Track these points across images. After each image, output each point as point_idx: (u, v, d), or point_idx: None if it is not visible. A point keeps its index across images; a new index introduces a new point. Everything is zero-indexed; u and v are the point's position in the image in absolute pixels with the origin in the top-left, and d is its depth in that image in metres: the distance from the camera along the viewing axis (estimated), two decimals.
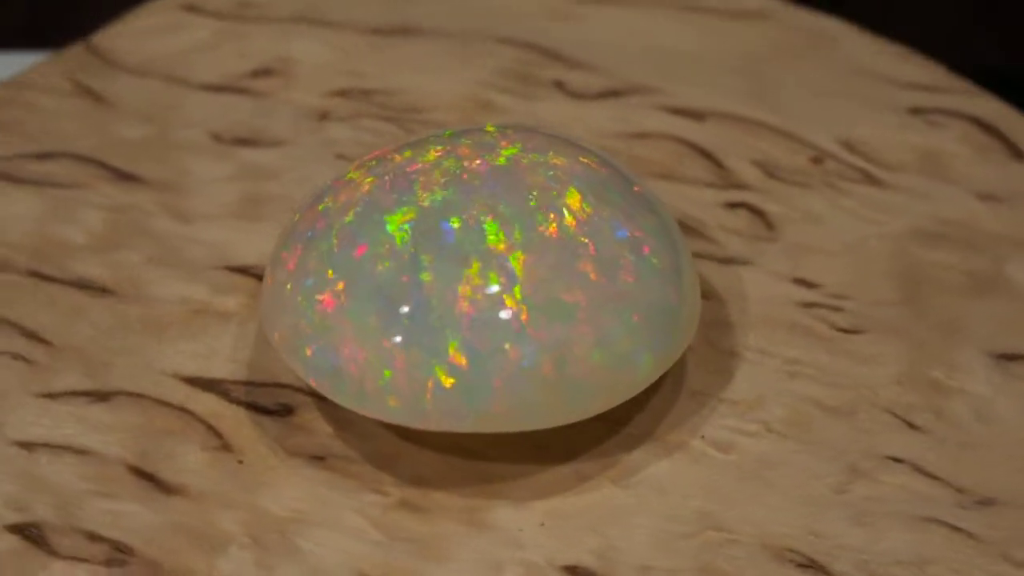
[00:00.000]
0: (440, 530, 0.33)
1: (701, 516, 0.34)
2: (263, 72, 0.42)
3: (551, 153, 0.35)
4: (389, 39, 0.43)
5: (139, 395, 0.35)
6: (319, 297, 0.33)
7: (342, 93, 0.42)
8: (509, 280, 0.33)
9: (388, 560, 0.33)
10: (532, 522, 0.33)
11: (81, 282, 0.38)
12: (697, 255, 0.38)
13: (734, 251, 0.38)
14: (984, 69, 0.47)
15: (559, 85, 0.42)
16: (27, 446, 0.35)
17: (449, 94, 0.42)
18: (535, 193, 0.34)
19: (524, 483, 0.34)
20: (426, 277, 0.33)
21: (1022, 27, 0.50)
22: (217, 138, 0.41)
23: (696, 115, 0.41)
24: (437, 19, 0.44)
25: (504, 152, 0.35)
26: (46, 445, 0.35)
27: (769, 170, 0.40)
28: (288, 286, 0.34)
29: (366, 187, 0.34)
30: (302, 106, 0.42)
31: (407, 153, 0.35)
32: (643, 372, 0.33)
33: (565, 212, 0.34)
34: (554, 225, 0.33)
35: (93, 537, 0.33)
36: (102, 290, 0.37)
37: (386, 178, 0.34)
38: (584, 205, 0.34)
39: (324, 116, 0.41)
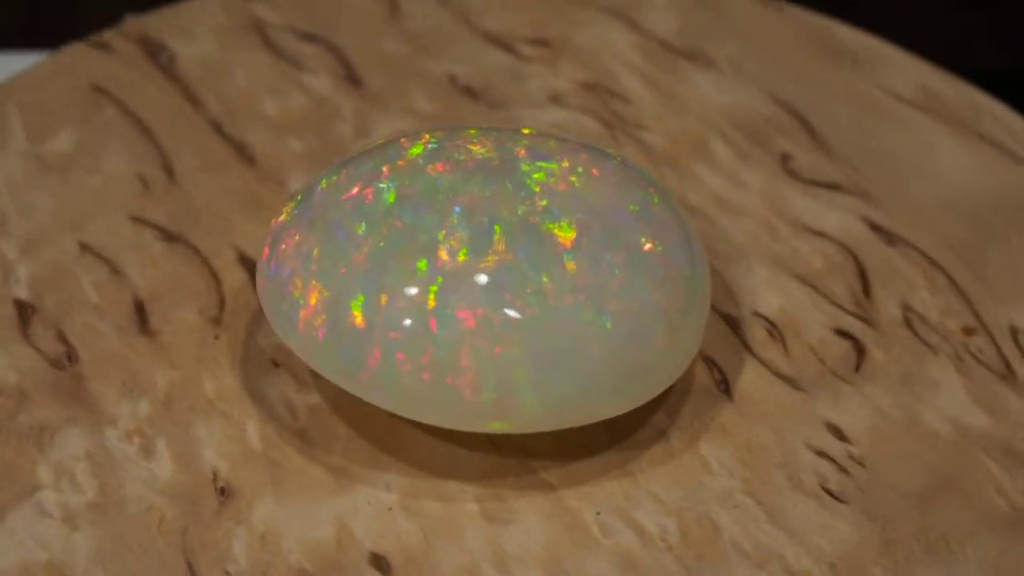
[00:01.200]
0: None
1: None
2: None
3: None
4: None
5: None
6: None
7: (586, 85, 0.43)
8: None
9: None
10: None
11: None
12: (759, 358, 0.37)
13: (797, 372, 0.37)
14: (984, 70, 0.47)
15: (784, 158, 0.41)
16: None
17: (678, 123, 0.42)
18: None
19: None
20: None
21: (1022, 28, 0.51)
22: None
23: (890, 238, 0.39)
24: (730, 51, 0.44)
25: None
26: None
27: (911, 319, 0.38)
28: None
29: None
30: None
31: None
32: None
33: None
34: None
35: None
36: None
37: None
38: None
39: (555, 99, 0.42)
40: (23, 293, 0.37)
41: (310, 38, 0.44)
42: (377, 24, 0.44)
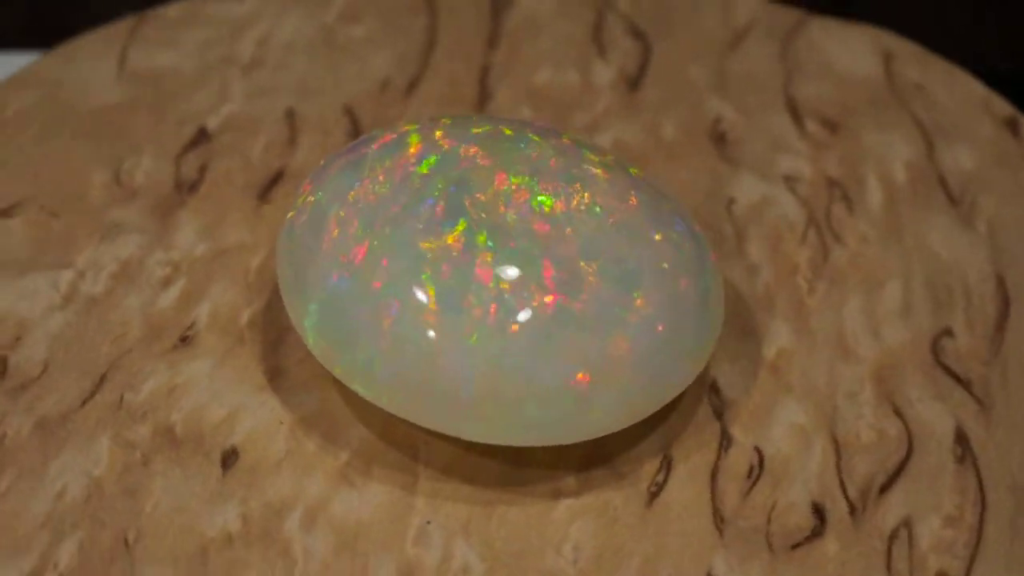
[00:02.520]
0: None
1: None
2: None
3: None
4: None
5: None
6: None
7: None
8: None
9: None
10: None
11: None
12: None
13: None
14: (986, 70, 0.47)
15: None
16: None
17: None
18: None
19: None
20: None
21: (1022, 27, 0.50)
22: None
23: None
24: None
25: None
26: None
27: None
28: None
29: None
30: None
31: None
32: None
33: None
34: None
35: None
36: None
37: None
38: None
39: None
40: None
41: None
42: None
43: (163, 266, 0.38)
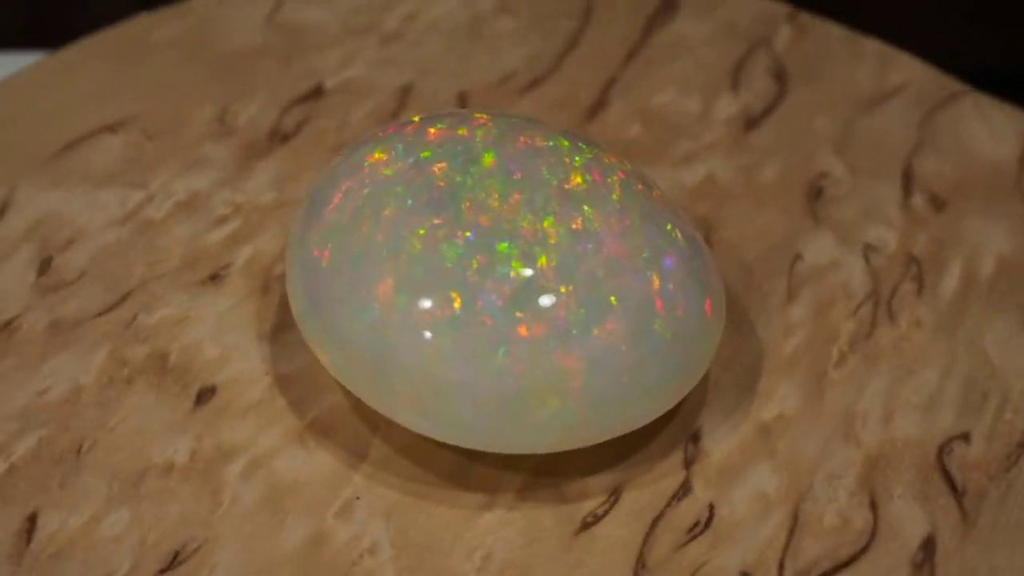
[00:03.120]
0: None
1: None
2: None
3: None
4: None
5: None
6: None
7: None
8: None
9: None
10: None
11: None
12: None
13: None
14: (984, 69, 0.46)
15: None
16: None
17: None
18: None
19: None
20: None
21: (1022, 27, 0.49)
22: None
23: None
24: None
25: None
26: None
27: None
28: None
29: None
30: None
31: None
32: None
33: None
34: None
35: None
36: None
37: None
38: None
39: None
40: None
41: None
42: None
43: (226, 205, 0.40)
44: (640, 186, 0.36)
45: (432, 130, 0.36)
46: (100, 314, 0.38)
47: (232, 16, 0.45)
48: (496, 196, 0.34)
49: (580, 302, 0.33)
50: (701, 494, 0.35)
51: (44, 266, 0.39)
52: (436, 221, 0.34)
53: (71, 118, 0.42)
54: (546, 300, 0.33)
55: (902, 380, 0.37)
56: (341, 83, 0.44)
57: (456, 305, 0.33)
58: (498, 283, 0.33)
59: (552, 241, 0.34)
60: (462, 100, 0.43)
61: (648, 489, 0.35)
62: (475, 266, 0.33)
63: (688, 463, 0.36)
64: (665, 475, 0.35)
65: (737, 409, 0.37)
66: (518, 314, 0.33)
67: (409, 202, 0.34)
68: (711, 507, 0.35)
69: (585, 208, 0.34)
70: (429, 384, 0.33)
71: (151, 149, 0.42)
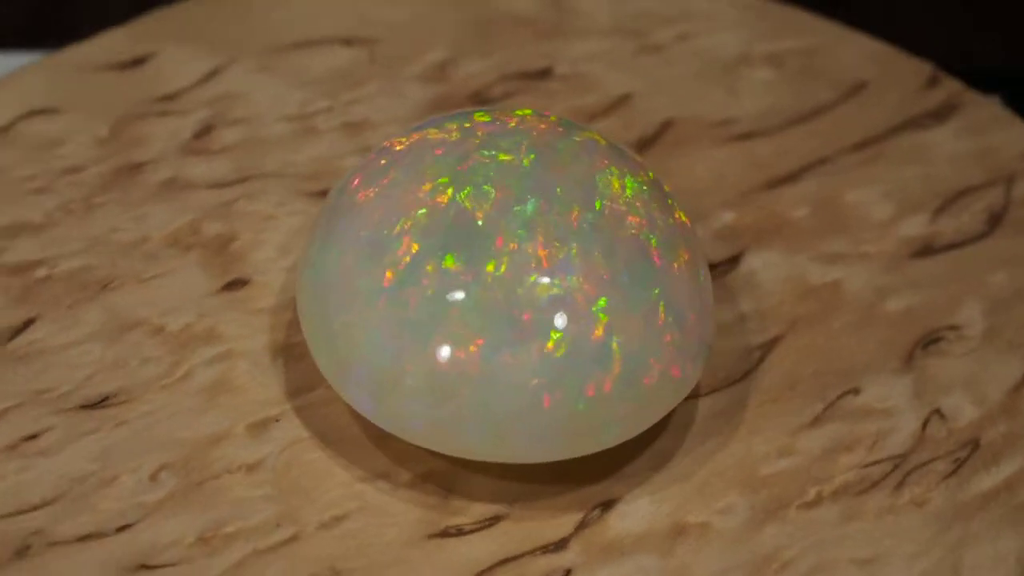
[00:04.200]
0: None
1: None
2: None
3: None
4: None
5: None
6: None
7: None
8: None
9: None
10: None
11: None
12: None
13: None
14: (984, 69, 0.46)
15: None
16: None
17: None
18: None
19: None
20: None
21: (1022, 27, 0.49)
22: None
23: None
24: None
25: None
26: None
27: None
28: None
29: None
30: None
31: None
32: None
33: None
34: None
35: None
36: None
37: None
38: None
39: None
40: None
41: None
42: None
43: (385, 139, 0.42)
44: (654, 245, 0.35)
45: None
46: (212, 187, 0.41)
47: None
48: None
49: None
50: (570, 558, 0.34)
51: (201, 132, 0.42)
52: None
53: (313, 23, 0.45)
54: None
55: (855, 547, 0.35)
56: (571, 72, 0.44)
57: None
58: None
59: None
60: (665, 127, 0.43)
61: (525, 530, 0.35)
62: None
63: (582, 524, 0.35)
64: (552, 525, 0.35)
65: (669, 498, 0.35)
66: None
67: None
68: (567, 573, 0.34)
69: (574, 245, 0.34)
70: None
71: (366, 68, 0.44)
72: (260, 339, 0.38)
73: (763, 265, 0.40)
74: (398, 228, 0.34)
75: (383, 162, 0.36)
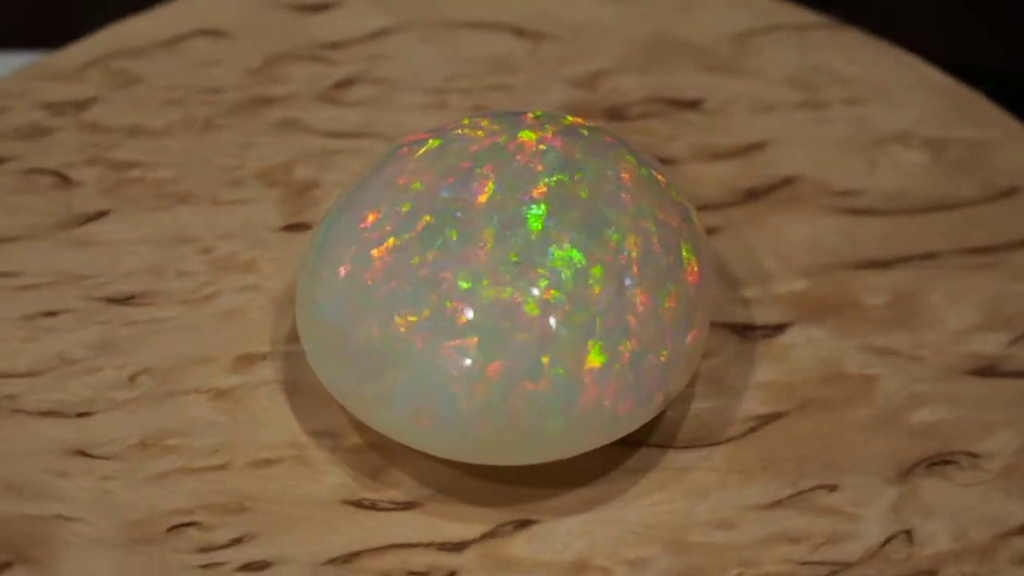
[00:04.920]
0: None
1: None
2: None
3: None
4: None
5: None
6: None
7: None
8: None
9: None
10: None
11: None
12: None
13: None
14: (984, 69, 0.46)
15: None
16: None
17: None
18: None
19: None
20: None
21: (1022, 27, 0.49)
22: None
23: None
24: None
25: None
26: None
27: None
28: None
29: None
30: None
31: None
32: None
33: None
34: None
35: None
36: None
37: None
38: None
39: None
40: None
41: None
42: None
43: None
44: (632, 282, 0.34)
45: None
46: (325, 135, 0.43)
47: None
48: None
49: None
50: (462, 562, 0.34)
51: (342, 83, 0.44)
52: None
53: (495, 7, 0.46)
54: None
55: None
56: (718, 109, 0.44)
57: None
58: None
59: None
60: (784, 182, 0.42)
61: (433, 523, 0.35)
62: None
63: (489, 534, 0.35)
64: (462, 527, 0.35)
65: (585, 535, 0.35)
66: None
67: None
68: (451, 574, 0.34)
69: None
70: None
71: (520, 64, 0.45)
72: (290, 282, 0.39)
73: (806, 341, 0.38)
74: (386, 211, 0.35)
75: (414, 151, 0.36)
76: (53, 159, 0.42)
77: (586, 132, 0.36)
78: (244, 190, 0.41)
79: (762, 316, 0.39)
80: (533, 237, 0.34)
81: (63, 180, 0.41)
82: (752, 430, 0.37)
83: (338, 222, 0.36)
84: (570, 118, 0.37)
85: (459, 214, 0.34)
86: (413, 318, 0.34)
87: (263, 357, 0.38)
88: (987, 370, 0.38)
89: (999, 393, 0.37)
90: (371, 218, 0.35)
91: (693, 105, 0.44)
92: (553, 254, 0.34)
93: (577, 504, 0.35)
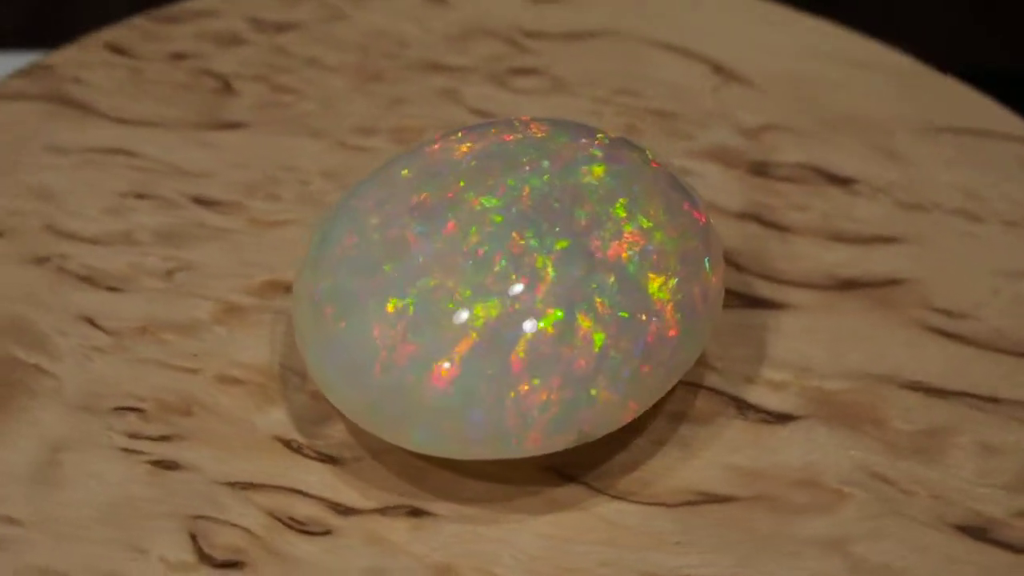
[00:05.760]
0: None
1: None
2: None
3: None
4: None
5: None
6: None
7: None
8: None
9: None
10: None
11: None
12: None
13: None
14: (984, 69, 0.46)
15: None
16: None
17: None
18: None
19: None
20: None
21: (1022, 27, 0.50)
22: None
23: None
24: None
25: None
26: None
27: None
28: None
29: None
30: None
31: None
32: None
33: None
34: None
35: None
36: None
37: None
38: None
39: None
40: None
41: None
42: None
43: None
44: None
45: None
46: (471, 111, 0.43)
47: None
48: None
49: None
50: (335, 523, 0.35)
51: (524, 71, 0.44)
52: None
53: (708, 36, 0.45)
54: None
55: None
56: (870, 190, 0.41)
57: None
58: None
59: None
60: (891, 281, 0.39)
61: (335, 482, 0.35)
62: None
63: (380, 511, 0.35)
64: (358, 495, 0.35)
65: (461, 543, 0.34)
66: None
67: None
68: (326, 532, 0.34)
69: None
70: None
71: (690, 95, 0.44)
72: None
73: (804, 438, 0.36)
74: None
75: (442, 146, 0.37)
76: (228, 67, 0.44)
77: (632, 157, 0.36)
78: (372, 140, 0.43)
79: (774, 402, 0.37)
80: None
81: (225, 87, 0.44)
82: (690, 503, 0.35)
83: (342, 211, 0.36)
84: (649, 154, 0.36)
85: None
86: (352, 281, 0.34)
87: (287, 289, 0.39)
88: (977, 531, 0.34)
89: (977, 558, 0.34)
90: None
91: (843, 182, 0.42)
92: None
93: (480, 513, 0.35)
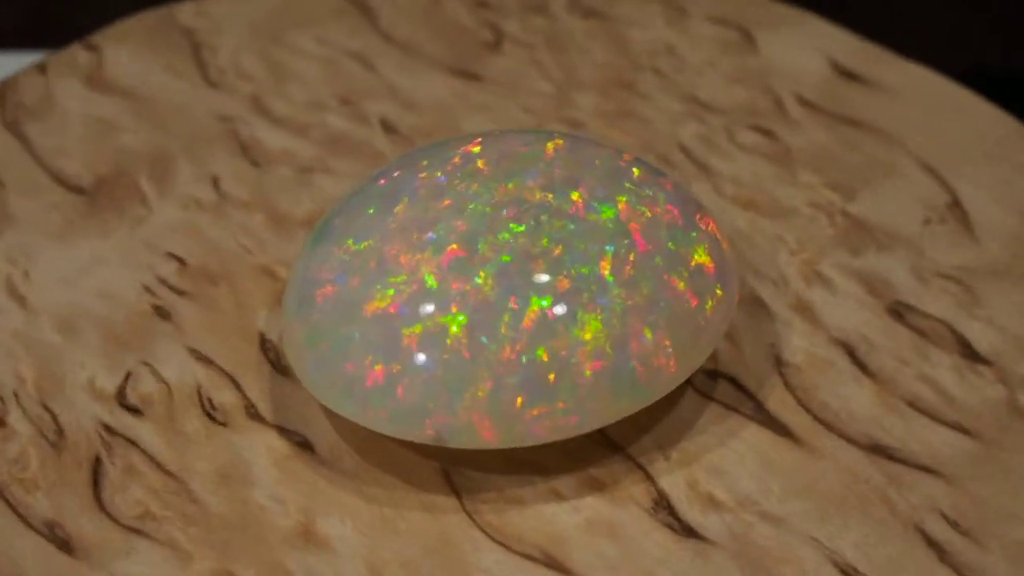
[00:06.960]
0: None
1: None
2: None
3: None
4: None
5: None
6: None
7: None
8: None
9: None
10: None
11: None
12: None
13: None
14: (984, 69, 0.48)
15: None
16: None
17: None
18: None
19: None
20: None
21: (1022, 27, 0.51)
22: None
23: None
24: None
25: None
26: None
27: None
28: None
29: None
30: None
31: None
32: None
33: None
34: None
35: None
36: None
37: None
38: None
39: None
40: None
41: None
42: None
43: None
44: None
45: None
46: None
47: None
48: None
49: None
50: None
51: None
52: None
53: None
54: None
55: None
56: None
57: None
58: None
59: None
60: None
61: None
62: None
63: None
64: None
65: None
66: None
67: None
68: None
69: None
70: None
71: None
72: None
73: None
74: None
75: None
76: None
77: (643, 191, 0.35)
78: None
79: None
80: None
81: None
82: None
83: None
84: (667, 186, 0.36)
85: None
86: (337, 260, 0.35)
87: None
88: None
89: None
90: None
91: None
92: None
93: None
